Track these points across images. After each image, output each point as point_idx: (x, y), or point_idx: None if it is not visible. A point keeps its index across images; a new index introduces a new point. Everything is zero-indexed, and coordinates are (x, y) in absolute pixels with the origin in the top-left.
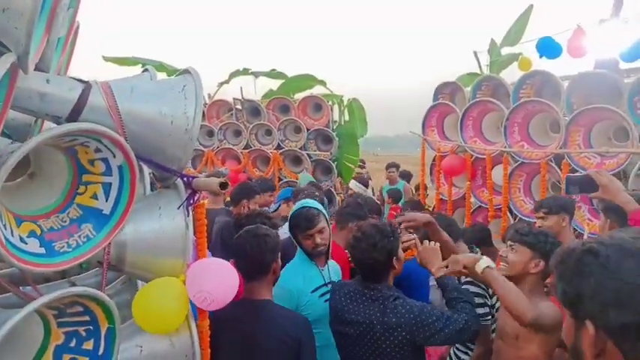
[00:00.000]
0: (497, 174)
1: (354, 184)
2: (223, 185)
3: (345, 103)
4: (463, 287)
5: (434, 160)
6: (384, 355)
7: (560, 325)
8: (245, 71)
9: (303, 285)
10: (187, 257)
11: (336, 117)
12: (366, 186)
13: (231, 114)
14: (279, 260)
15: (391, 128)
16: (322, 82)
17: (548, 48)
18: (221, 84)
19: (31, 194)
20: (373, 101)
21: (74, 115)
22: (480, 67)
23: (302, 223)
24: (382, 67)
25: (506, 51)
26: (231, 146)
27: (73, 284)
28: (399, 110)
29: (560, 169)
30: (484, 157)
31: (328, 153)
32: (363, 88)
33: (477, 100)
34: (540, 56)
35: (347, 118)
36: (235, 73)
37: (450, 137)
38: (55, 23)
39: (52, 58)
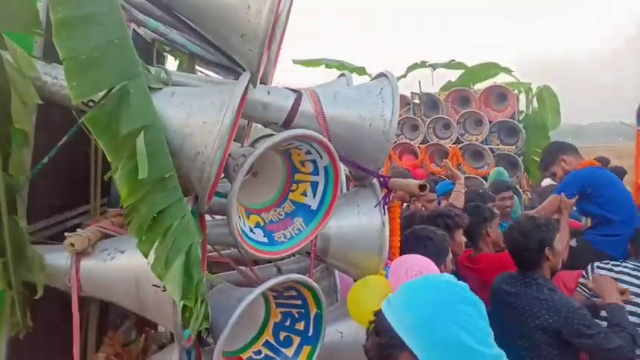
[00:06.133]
0: None
1: (549, 184)
2: (422, 187)
3: (534, 90)
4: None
5: None
6: (531, 337)
7: None
8: (423, 64)
9: None
10: (384, 254)
11: (522, 107)
12: None
13: (409, 108)
14: (446, 264)
15: (584, 116)
16: (507, 70)
17: None
18: (398, 78)
19: (255, 190)
20: (564, 85)
21: (288, 121)
22: None
23: None
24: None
25: None
26: (408, 141)
27: (279, 269)
28: (591, 95)
29: None
30: None
31: (513, 147)
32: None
33: None
34: None
35: (536, 106)
36: (413, 67)
37: None
38: (274, 40)
39: (270, 71)
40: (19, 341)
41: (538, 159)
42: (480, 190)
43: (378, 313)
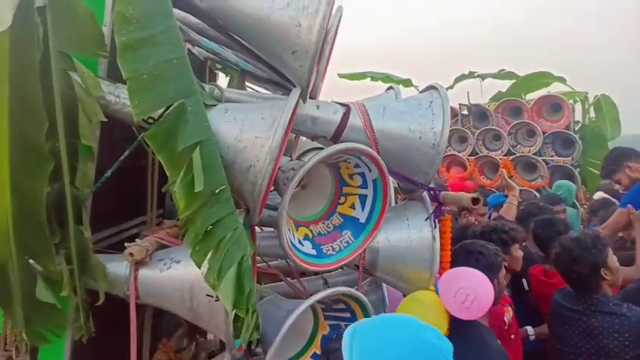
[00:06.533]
0: None
1: (600, 196)
2: (475, 201)
3: (592, 100)
4: None
5: None
6: (603, 356)
7: None
8: (471, 75)
9: None
10: (435, 268)
11: (578, 117)
12: (619, 198)
13: (457, 120)
14: (499, 280)
15: None
16: (561, 79)
17: None
18: (445, 90)
19: (304, 203)
20: (625, 96)
21: (337, 134)
22: None
23: None
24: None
25: None
26: (456, 153)
27: (325, 281)
28: None
29: None
30: None
31: (569, 158)
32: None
33: None
34: None
35: (593, 117)
36: (460, 78)
37: None
38: (323, 56)
39: (318, 86)
40: (81, 345)
41: (596, 171)
42: (541, 204)
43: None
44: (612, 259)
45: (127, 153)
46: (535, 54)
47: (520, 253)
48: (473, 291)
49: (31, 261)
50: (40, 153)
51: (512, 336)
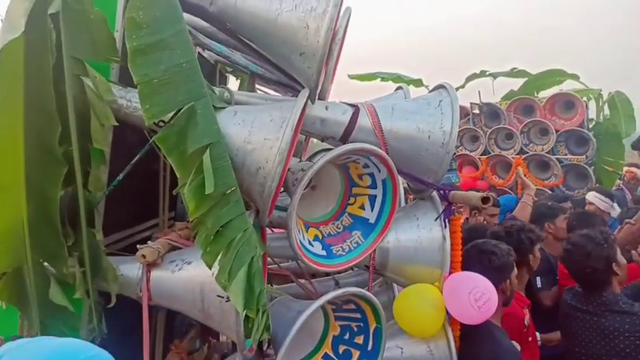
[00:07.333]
0: None
1: (592, 196)
2: (485, 200)
3: (606, 97)
4: None
5: None
6: (622, 356)
7: None
8: (482, 73)
9: None
10: (445, 268)
11: (593, 114)
12: (611, 199)
13: (468, 119)
14: (512, 280)
15: None
16: (574, 76)
17: None
18: (457, 89)
19: (314, 204)
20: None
21: (346, 135)
22: None
23: None
24: None
25: None
26: (467, 152)
27: (337, 282)
28: None
29: None
30: None
31: (583, 157)
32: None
33: None
34: None
35: (607, 114)
36: (471, 77)
37: None
38: (331, 57)
39: (327, 87)
40: None
41: (610, 169)
42: (549, 203)
43: None
44: (619, 255)
45: (138, 156)
46: (550, 51)
47: (539, 254)
48: (488, 292)
49: (45, 264)
50: (54, 157)
51: (530, 338)
